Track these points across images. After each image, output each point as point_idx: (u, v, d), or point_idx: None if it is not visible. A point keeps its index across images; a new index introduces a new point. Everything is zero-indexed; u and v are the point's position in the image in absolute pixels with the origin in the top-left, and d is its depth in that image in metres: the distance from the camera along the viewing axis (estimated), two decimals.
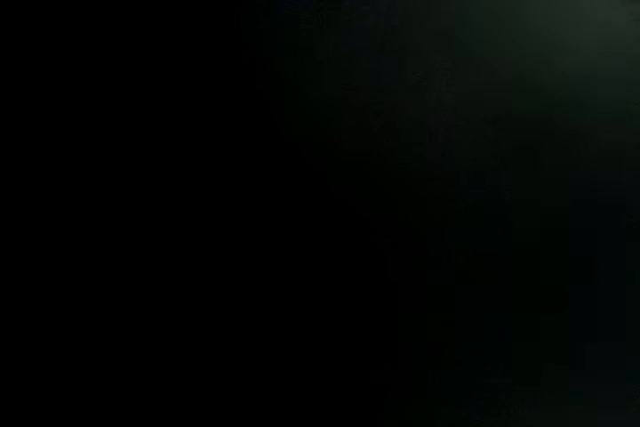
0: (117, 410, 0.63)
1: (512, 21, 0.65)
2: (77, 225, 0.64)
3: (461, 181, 0.64)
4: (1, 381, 0.63)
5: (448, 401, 0.63)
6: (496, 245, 0.63)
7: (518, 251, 0.63)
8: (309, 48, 0.65)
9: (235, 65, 0.64)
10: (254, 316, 0.63)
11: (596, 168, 0.64)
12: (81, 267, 0.63)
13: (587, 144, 0.64)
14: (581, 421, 0.63)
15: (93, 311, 0.63)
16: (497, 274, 0.63)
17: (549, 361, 0.63)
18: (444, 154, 0.64)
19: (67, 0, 0.65)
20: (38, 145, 0.64)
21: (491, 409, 0.63)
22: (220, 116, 0.64)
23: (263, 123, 0.64)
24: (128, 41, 0.65)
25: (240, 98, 0.64)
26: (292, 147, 0.64)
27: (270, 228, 0.64)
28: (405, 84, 0.64)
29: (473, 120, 0.64)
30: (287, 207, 0.64)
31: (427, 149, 0.64)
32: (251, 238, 0.64)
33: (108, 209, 0.64)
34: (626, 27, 0.65)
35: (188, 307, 0.63)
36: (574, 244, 0.63)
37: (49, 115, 0.64)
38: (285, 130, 0.64)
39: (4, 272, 0.63)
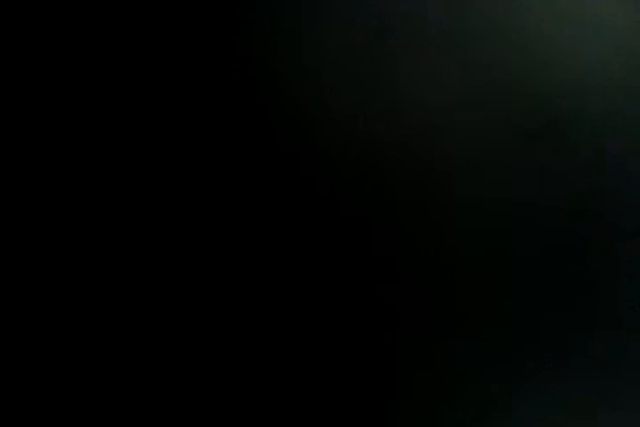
0: (117, 410, 0.63)
1: (512, 21, 0.65)
2: (77, 225, 0.63)
3: (461, 182, 0.64)
4: (1, 381, 0.63)
5: (448, 403, 0.63)
6: (496, 244, 0.63)
7: (518, 252, 0.63)
8: (307, 48, 0.65)
9: (233, 65, 0.64)
10: (254, 318, 0.63)
11: (598, 168, 0.64)
12: (81, 267, 0.63)
13: (587, 144, 0.64)
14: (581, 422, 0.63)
15: (93, 311, 0.63)
16: (497, 273, 0.63)
17: (550, 365, 0.63)
18: (443, 154, 0.64)
19: (67, 0, 0.65)
20: (38, 145, 0.64)
21: (490, 412, 0.63)
22: (216, 115, 0.64)
23: (262, 123, 0.64)
24: (125, 40, 0.65)
25: (239, 98, 0.64)
26: (289, 147, 0.64)
27: (270, 230, 0.64)
28: (405, 84, 0.64)
29: (472, 121, 0.64)
30: (285, 208, 0.64)
31: (426, 150, 0.64)
32: (251, 240, 0.64)
33: (105, 210, 0.64)
34: (626, 27, 0.65)
35: (187, 307, 0.63)
36: (575, 245, 0.63)
37: (49, 115, 0.64)
38: (283, 130, 0.64)
39: (3, 272, 0.63)
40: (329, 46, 0.65)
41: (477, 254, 0.63)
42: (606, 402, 0.63)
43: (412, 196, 0.64)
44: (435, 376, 0.63)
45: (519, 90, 0.64)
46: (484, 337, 0.63)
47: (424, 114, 0.64)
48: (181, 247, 0.63)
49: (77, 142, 0.64)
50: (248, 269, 0.63)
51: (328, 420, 0.63)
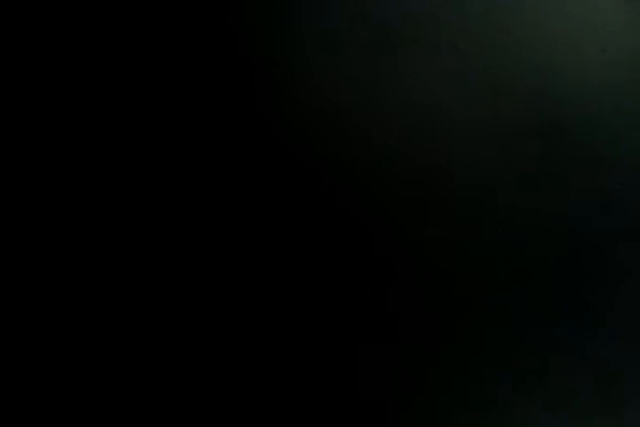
0: (117, 410, 0.63)
1: (512, 21, 0.65)
2: (77, 225, 0.64)
3: (462, 184, 0.64)
4: (1, 381, 0.63)
5: (448, 403, 0.63)
6: (496, 249, 0.63)
7: (519, 256, 0.63)
8: (306, 48, 0.65)
9: (233, 66, 0.65)
10: (254, 318, 0.63)
11: (598, 168, 0.64)
12: (81, 267, 0.63)
13: (587, 144, 0.64)
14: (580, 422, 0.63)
15: (93, 311, 0.63)
16: (497, 273, 0.63)
17: (550, 365, 0.63)
18: (443, 155, 0.64)
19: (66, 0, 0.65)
20: (38, 145, 0.64)
21: (490, 414, 0.63)
22: (215, 115, 0.64)
23: (262, 124, 0.64)
24: (125, 39, 0.65)
25: (239, 99, 0.64)
26: (291, 148, 0.64)
27: (271, 229, 0.64)
28: (405, 85, 0.64)
29: (472, 122, 0.64)
30: (285, 209, 0.64)
31: (425, 151, 0.64)
32: (252, 240, 0.64)
33: (105, 210, 0.64)
34: (626, 25, 0.65)
35: (187, 307, 0.63)
36: (575, 249, 0.63)
37: (49, 115, 0.64)
38: (284, 130, 0.64)
39: (3, 272, 0.63)
40: (329, 47, 0.65)
41: (477, 254, 0.63)
42: (606, 403, 0.63)
43: (412, 196, 0.64)
44: (434, 376, 0.63)
45: (519, 90, 0.64)
46: (484, 337, 0.63)
47: (424, 114, 0.64)
48: (188, 247, 0.64)
49: (77, 142, 0.64)
50: (248, 268, 0.63)
51: (328, 420, 0.63)
